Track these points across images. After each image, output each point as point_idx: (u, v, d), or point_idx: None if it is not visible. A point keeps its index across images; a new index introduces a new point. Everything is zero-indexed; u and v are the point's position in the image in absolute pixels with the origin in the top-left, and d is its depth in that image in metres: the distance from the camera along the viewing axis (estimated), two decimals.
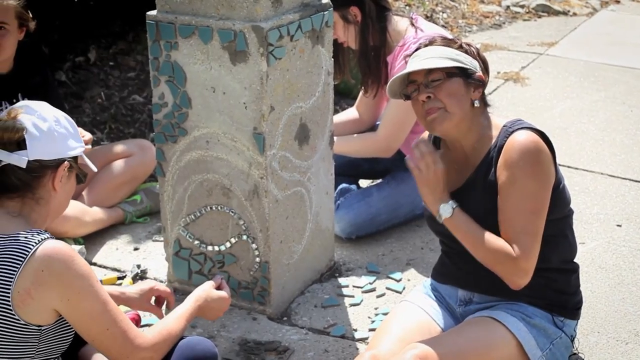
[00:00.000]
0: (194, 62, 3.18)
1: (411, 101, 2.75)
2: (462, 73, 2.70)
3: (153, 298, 2.81)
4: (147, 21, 3.22)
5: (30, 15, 3.71)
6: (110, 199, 4.17)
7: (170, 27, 3.17)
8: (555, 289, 2.77)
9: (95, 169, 2.62)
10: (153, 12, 3.24)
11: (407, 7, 7.81)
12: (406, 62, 2.83)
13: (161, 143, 3.37)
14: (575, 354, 2.89)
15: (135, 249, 3.95)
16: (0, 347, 2.26)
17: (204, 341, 2.60)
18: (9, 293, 2.22)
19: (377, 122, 4.24)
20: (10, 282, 2.21)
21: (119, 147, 4.30)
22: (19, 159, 2.31)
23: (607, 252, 3.89)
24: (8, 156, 2.32)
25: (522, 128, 2.68)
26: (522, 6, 8.38)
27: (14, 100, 3.73)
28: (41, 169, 2.34)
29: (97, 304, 2.29)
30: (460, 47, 2.75)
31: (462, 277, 2.75)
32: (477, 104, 2.72)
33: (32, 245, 2.23)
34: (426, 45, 2.77)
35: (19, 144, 2.32)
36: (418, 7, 7.88)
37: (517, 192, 2.62)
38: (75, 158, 2.44)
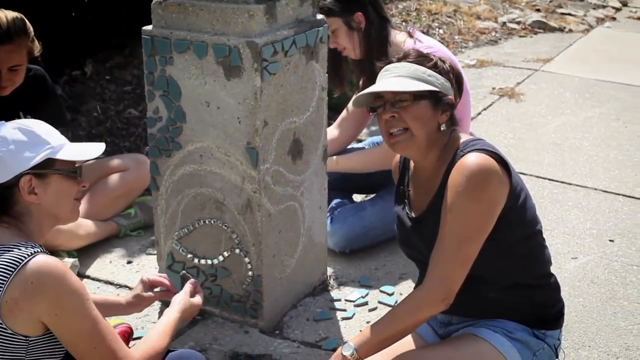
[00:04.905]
0: (189, 77, 3.20)
1: (376, 115, 2.66)
2: (432, 96, 2.58)
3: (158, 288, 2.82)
4: (142, 36, 3.24)
5: (38, 43, 3.68)
6: (105, 212, 4.18)
7: (166, 42, 3.20)
8: (533, 305, 2.71)
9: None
10: (149, 27, 3.26)
11: (404, 23, 7.84)
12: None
13: (155, 157, 3.38)
14: None
15: (129, 262, 3.96)
16: None
17: (196, 354, 2.62)
18: None
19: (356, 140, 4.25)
20: None
21: (114, 161, 4.32)
22: None
23: (600, 266, 3.91)
24: None
25: (474, 150, 2.55)
26: (518, 22, 8.43)
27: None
28: (2, 191, 2.33)
29: (86, 322, 2.27)
30: (434, 66, 2.62)
31: None
32: (443, 127, 2.62)
33: (24, 257, 2.23)
34: (399, 60, 2.65)
35: None
36: (414, 23, 7.92)
37: (454, 217, 2.50)
38: (43, 164, 2.36)
